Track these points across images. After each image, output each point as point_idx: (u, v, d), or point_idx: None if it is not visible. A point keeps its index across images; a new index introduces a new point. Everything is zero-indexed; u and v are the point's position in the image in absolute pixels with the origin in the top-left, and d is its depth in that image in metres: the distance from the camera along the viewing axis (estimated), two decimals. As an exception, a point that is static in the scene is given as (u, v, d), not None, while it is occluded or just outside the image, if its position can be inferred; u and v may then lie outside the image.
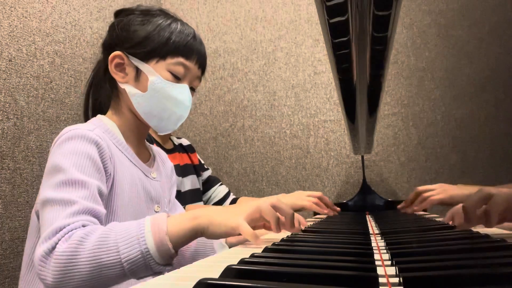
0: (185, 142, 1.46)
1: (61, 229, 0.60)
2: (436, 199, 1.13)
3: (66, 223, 0.61)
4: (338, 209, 1.40)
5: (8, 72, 1.06)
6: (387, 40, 0.55)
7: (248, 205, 0.67)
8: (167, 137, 1.35)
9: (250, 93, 1.90)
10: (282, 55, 1.87)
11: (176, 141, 1.41)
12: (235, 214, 0.64)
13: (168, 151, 1.28)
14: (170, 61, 0.82)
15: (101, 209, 0.68)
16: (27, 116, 1.11)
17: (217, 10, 1.97)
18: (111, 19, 0.92)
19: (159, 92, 0.82)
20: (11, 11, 1.09)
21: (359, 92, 0.74)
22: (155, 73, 0.82)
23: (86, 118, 0.92)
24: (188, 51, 0.84)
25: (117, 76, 0.84)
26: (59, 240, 0.59)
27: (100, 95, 0.91)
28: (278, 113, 1.86)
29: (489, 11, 1.68)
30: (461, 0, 1.71)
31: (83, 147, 0.71)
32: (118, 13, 0.91)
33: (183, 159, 1.37)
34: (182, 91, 0.84)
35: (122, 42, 0.84)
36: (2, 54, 1.05)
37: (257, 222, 0.68)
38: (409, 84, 1.74)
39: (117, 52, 0.83)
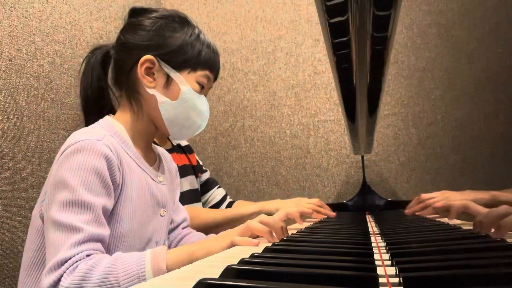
0: (183, 142, 1.45)
1: (66, 261, 0.63)
2: (438, 206, 1.13)
3: (71, 254, 0.63)
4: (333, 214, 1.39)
5: (8, 72, 1.06)
6: (387, 40, 0.55)
7: (238, 226, 0.75)
8: (165, 138, 1.34)
9: (250, 93, 1.90)
10: (282, 55, 1.87)
11: (174, 142, 1.41)
12: (226, 237, 0.71)
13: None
14: (199, 73, 0.85)
15: (104, 231, 0.70)
16: (27, 116, 1.11)
17: (217, 10, 1.97)
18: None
19: (187, 102, 0.84)
20: (11, 11, 1.09)
21: (359, 92, 0.74)
22: (187, 84, 0.83)
23: (87, 119, 0.90)
24: (213, 64, 0.87)
25: (145, 80, 0.82)
26: (64, 272, 0.62)
27: (104, 94, 0.90)
28: (278, 113, 1.85)
29: (489, 11, 1.68)
30: (461, 0, 1.71)
31: (91, 162, 0.70)
32: (137, 13, 0.88)
33: (182, 159, 1.37)
34: (203, 102, 0.87)
35: (155, 47, 0.82)
36: (2, 54, 1.05)
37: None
38: (409, 84, 1.74)
39: (149, 56, 0.82)
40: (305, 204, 1.24)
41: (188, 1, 2.01)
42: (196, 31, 0.86)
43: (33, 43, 1.15)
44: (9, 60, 1.07)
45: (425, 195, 1.22)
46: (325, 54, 1.80)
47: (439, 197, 1.15)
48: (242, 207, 1.29)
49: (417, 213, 1.22)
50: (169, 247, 0.95)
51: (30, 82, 1.12)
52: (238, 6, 1.94)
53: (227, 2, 1.95)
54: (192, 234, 0.99)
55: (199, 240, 0.94)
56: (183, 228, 1.00)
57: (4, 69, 1.05)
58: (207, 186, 1.45)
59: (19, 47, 1.10)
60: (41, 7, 1.19)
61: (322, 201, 1.32)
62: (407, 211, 1.26)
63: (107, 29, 1.44)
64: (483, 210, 0.83)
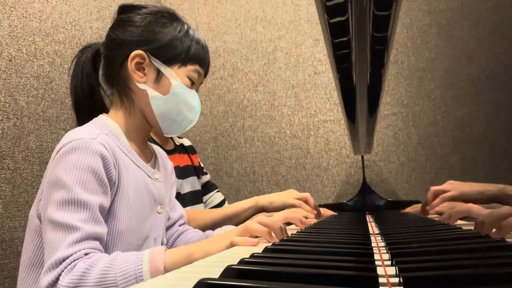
0: (186, 142, 1.45)
1: (64, 260, 0.63)
2: (447, 196, 1.10)
3: (69, 253, 0.64)
4: (315, 212, 1.35)
5: (8, 72, 1.06)
6: (387, 40, 0.55)
7: (236, 227, 0.74)
8: (168, 138, 1.34)
9: (250, 93, 1.90)
10: (282, 55, 1.87)
11: (178, 141, 1.40)
12: (225, 238, 0.71)
13: (168, 152, 1.27)
14: (190, 67, 0.86)
15: (101, 230, 0.70)
16: (27, 116, 1.11)
17: (217, 10, 1.97)
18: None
19: (178, 96, 0.84)
20: (11, 11, 1.09)
21: (359, 92, 0.74)
22: (177, 78, 0.84)
23: (79, 118, 0.89)
24: (203, 60, 0.88)
25: (135, 75, 0.83)
26: (62, 271, 0.62)
27: (95, 92, 0.90)
28: (278, 113, 1.86)
29: (489, 11, 1.68)
30: (461, 0, 1.71)
31: (86, 161, 0.70)
32: (127, 9, 0.89)
33: (184, 160, 1.36)
34: (194, 97, 0.88)
35: (145, 42, 0.83)
36: (2, 54, 1.05)
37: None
38: (409, 84, 1.74)
39: (139, 51, 0.82)
40: (295, 195, 1.23)
41: (188, 1, 2.01)
42: (185, 27, 0.87)
43: (33, 43, 1.15)
44: (9, 60, 1.07)
45: (435, 188, 1.18)
46: (325, 54, 1.80)
47: (449, 187, 1.11)
48: (236, 203, 1.28)
49: (431, 211, 1.19)
50: (166, 244, 0.95)
51: (30, 82, 1.13)
52: (238, 6, 1.94)
53: (227, 2, 1.95)
54: (189, 231, 1.00)
55: (198, 240, 0.95)
56: (179, 225, 1.00)
57: (4, 69, 1.05)
58: (206, 189, 1.45)
59: (19, 47, 1.10)
60: (41, 7, 1.19)
61: (309, 197, 1.30)
62: (427, 208, 1.22)
63: (107, 29, 1.44)
64: (486, 212, 0.83)
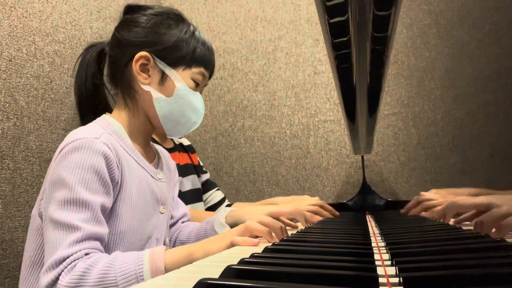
0: (185, 142, 1.45)
1: (64, 259, 0.63)
2: (438, 210, 1.10)
3: (69, 253, 0.63)
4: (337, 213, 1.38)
5: (8, 72, 1.06)
6: (387, 40, 0.55)
7: (237, 227, 0.74)
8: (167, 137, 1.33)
9: (250, 93, 1.90)
10: (282, 55, 1.87)
11: (177, 140, 1.40)
12: (225, 238, 0.70)
13: (168, 150, 1.27)
14: (194, 70, 0.85)
15: (102, 230, 0.70)
16: (27, 116, 1.11)
17: (217, 10, 1.96)
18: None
19: (182, 98, 0.84)
20: (11, 11, 1.09)
21: (359, 92, 0.74)
22: (182, 80, 0.84)
23: (83, 117, 0.90)
24: (208, 62, 0.88)
25: (140, 76, 0.83)
26: (62, 271, 0.62)
27: (99, 91, 0.90)
28: (278, 113, 1.85)
29: (489, 11, 1.68)
30: (461, 0, 1.71)
31: (89, 160, 0.70)
32: (132, 10, 0.89)
33: (184, 158, 1.36)
34: (198, 99, 0.87)
35: (150, 44, 0.83)
36: (2, 54, 1.05)
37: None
38: (409, 84, 1.74)
39: (144, 53, 0.82)
40: (305, 207, 1.22)
41: (188, 1, 2.01)
42: (191, 28, 0.87)
43: (33, 43, 1.14)
44: (9, 60, 1.07)
45: (424, 197, 1.20)
46: (325, 54, 1.80)
47: (439, 201, 1.12)
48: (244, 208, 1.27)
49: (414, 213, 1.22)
50: (168, 243, 0.96)
51: (30, 82, 1.12)
52: (238, 6, 1.94)
53: (227, 2, 1.95)
54: (188, 225, 0.99)
55: (199, 229, 0.95)
56: (182, 223, 1.00)
57: (4, 69, 1.05)
58: (206, 187, 1.45)
59: (19, 47, 1.10)
60: (41, 7, 1.19)
61: (323, 201, 1.32)
62: (404, 210, 1.25)
63: (107, 29, 1.44)
64: (472, 200, 0.82)
